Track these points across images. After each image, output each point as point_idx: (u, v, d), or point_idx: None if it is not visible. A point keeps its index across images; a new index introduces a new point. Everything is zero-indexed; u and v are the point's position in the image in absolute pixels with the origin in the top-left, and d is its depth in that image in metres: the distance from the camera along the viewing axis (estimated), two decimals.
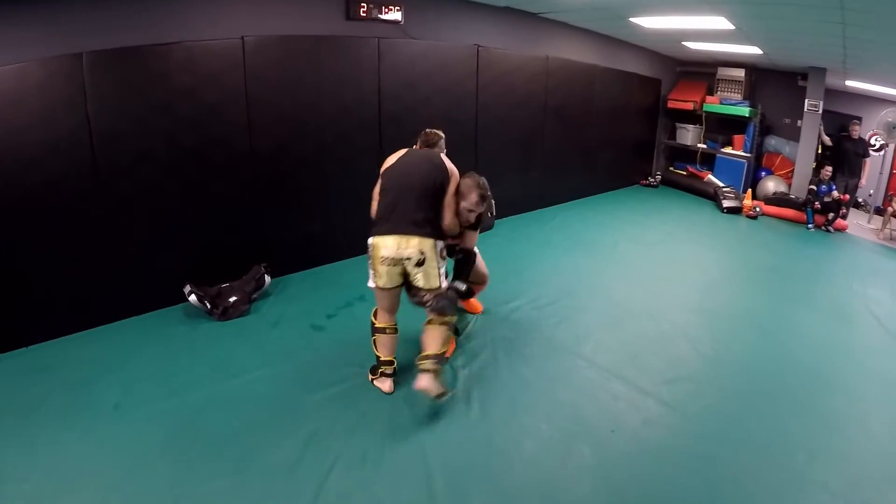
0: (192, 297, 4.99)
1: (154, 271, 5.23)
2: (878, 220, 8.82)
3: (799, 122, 9.10)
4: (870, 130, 8.98)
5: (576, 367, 4.19)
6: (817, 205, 8.21)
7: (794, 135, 9.27)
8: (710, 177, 9.39)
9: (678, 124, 9.91)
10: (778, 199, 8.60)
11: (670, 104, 9.82)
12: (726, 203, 8.47)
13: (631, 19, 7.48)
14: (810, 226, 8.26)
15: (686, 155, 10.07)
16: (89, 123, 4.68)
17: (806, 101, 8.70)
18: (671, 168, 10.16)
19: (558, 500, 2.98)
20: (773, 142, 9.43)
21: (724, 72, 9.58)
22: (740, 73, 9.39)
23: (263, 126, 5.42)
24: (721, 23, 6.55)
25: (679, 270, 6.17)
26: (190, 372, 4.25)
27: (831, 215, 8.19)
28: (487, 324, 4.85)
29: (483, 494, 3.02)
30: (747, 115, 9.07)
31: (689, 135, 9.76)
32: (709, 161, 9.78)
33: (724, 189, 8.72)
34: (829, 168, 8.32)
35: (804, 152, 8.88)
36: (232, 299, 5.13)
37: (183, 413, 3.78)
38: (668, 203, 8.95)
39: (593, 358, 4.31)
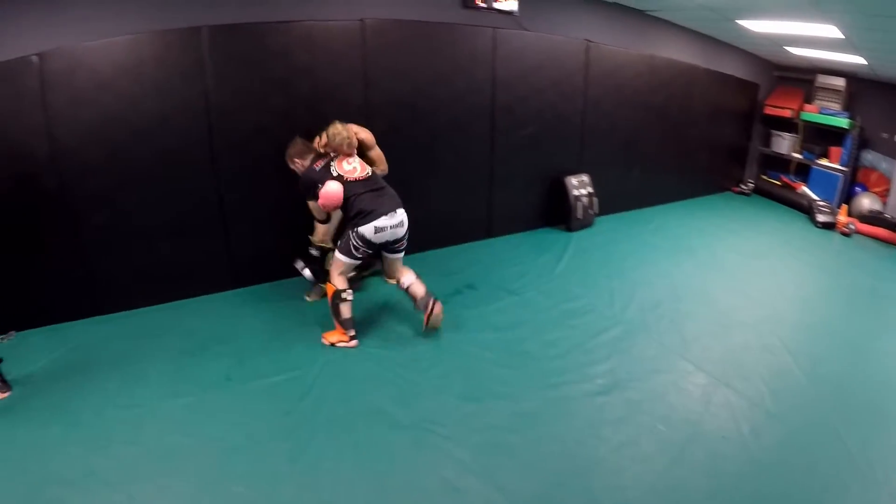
0: (307, 272, 5.00)
1: (261, 246, 5.37)
2: None
3: None
4: None
5: (685, 372, 4.20)
6: None
7: (892, 151, 8.80)
8: (804, 188, 9.05)
9: (774, 132, 9.56)
10: (873, 218, 8.23)
11: (767, 110, 9.49)
12: (821, 218, 8.18)
13: (738, 21, 7.22)
14: None
15: (780, 164, 9.73)
16: (207, 97, 4.74)
17: None
18: (763, 176, 9.78)
19: (674, 498, 3.03)
20: (869, 157, 9.04)
21: (823, 80, 9.17)
22: (840, 83, 8.98)
23: (379, 107, 5.44)
24: (830, 31, 6.27)
25: (777, 283, 6.02)
26: (303, 348, 4.38)
27: None
28: (600, 322, 4.85)
29: (601, 488, 3.08)
30: (846, 127, 8.68)
31: (784, 143, 9.42)
32: (803, 172, 9.36)
33: (819, 203, 8.37)
34: None
35: None
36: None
37: (298, 390, 3.85)
38: (761, 213, 8.71)
39: (701, 364, 4.31)
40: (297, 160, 4.54)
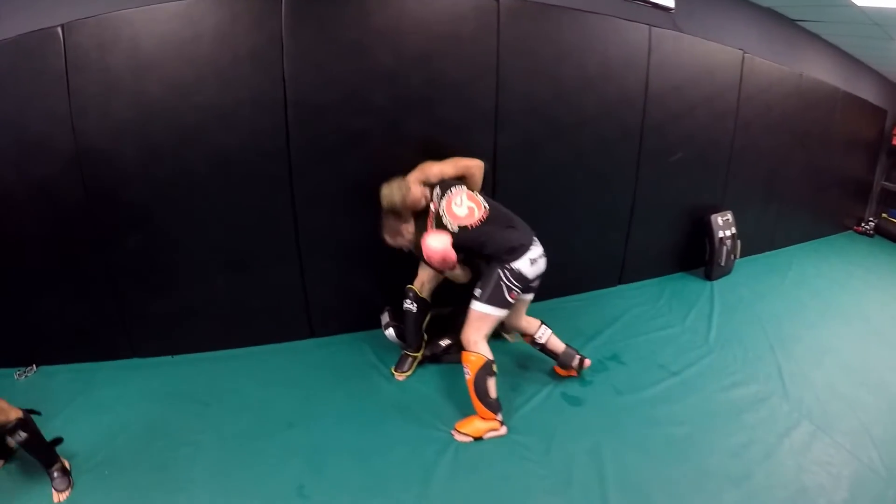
0: (390, 332, 3.69)
1: (348, 286, 4.05)
2: None
3: None
4: None
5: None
6: None
7: None
8: None
9: None
10: None
11: None
12: None
13: None
14: None
15: None
16: (284, 88, 3.41)
17: None
18: (884, 215, 7.94)
19: None
20: None
21: None
22: None
23: (512, 116, 3.98)
24: None
25: None
26: (406, 450, 3.05)
27: None
28: (779, 418, 3.50)
29: None
30: None
31: None
32: None
33: None
34: None
35: None
36: (445, 342, 3.79)
37: None
38: (893, 260, 7.01)
39: None
40: (402, 227, 3.32)
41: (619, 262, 5.16)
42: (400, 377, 3.65)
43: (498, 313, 3.16)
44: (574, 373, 3.70)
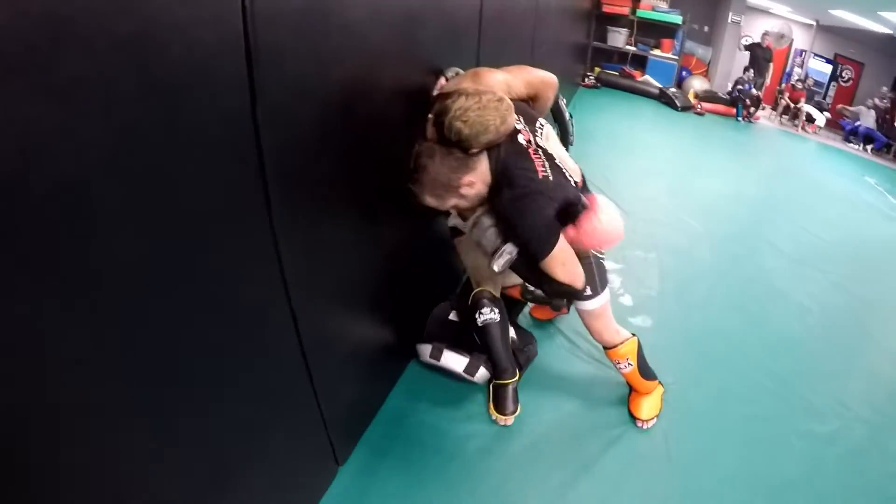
0: (483, 374, 2.21)
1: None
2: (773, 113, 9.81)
3: (706, 27, 9.56)
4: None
5: None
6: (747, 101, 8.64)
7: (706, 40, 9.63)
8: (647, 76, 9.03)
9: (610, 28, 9.31)
10: (711, 97, 8.96)
11: (605, 9, 9.12)
12: (680, 103, 8.41)
13: None
14: (740, 118, 8.69)
15: (615, 57, 9.54)
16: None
17: (730, 14, 9.21)
18: (598, 69, 9.26)
19: None
20: (688, 45, 9.41)
21: None
22: None
23: None
24: None
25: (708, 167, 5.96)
26: None
27: (752, 109, 8.74)
28: None
29: None
30: (679, 23, 8.93)
31: (620, 38, 9.39)
32: (637, 62, 9.40)
33: (672, 91, 8.47)
34: (752, 70, 8.86)
35: (726, 56, 9.48)
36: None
37: None
38: (625, 103, 8.30)
39: None
40: (465, 180, 1.63)
41: None
42: (508, 420, 2.13)
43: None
44: (566, 311, 2.70)
